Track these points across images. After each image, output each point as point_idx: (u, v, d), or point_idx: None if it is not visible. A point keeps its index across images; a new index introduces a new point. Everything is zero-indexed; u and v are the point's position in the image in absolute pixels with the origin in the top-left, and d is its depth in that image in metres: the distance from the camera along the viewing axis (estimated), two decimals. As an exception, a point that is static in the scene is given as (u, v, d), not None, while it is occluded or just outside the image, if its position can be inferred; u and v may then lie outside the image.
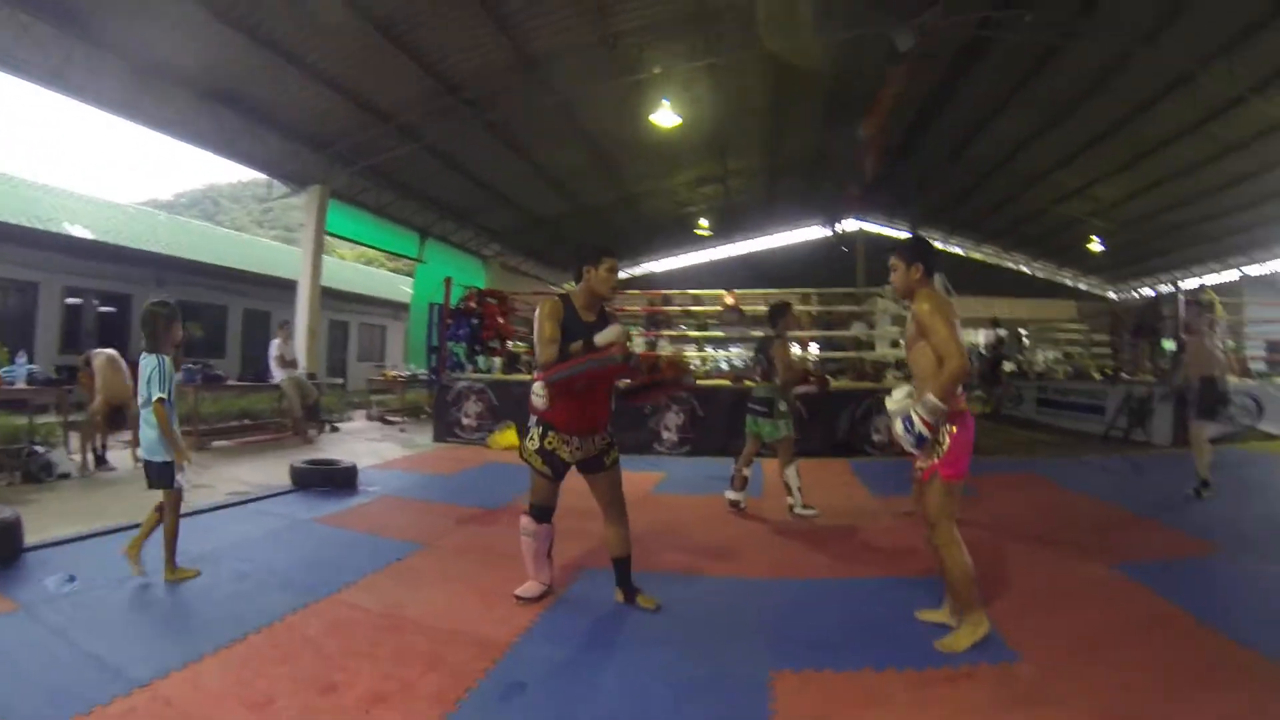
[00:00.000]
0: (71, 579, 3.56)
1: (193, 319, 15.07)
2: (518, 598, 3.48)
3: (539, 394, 3.27)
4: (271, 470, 6.87)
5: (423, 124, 11.73)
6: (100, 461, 6.71)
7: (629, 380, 3.59)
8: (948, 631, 3.14)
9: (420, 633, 3.11)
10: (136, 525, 3.89)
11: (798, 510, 5.61)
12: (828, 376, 7.39)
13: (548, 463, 3.35)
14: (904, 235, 23.75)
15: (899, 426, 3.05)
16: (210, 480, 6.39)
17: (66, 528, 4.51)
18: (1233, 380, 10.69)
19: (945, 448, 3.03)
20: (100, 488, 6.03)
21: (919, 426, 2.95)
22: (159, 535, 3.74)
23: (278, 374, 9.52)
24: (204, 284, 15.26)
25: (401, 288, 23.89)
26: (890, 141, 14.82)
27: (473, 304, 11.25)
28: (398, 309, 22.14)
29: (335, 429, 10.72)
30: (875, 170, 15.22)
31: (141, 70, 9.01)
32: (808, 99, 14.18)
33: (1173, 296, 11.28)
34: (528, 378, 10.32)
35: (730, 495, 5.82)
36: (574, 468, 3.41)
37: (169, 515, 3.73)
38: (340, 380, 16.13)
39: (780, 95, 13.84)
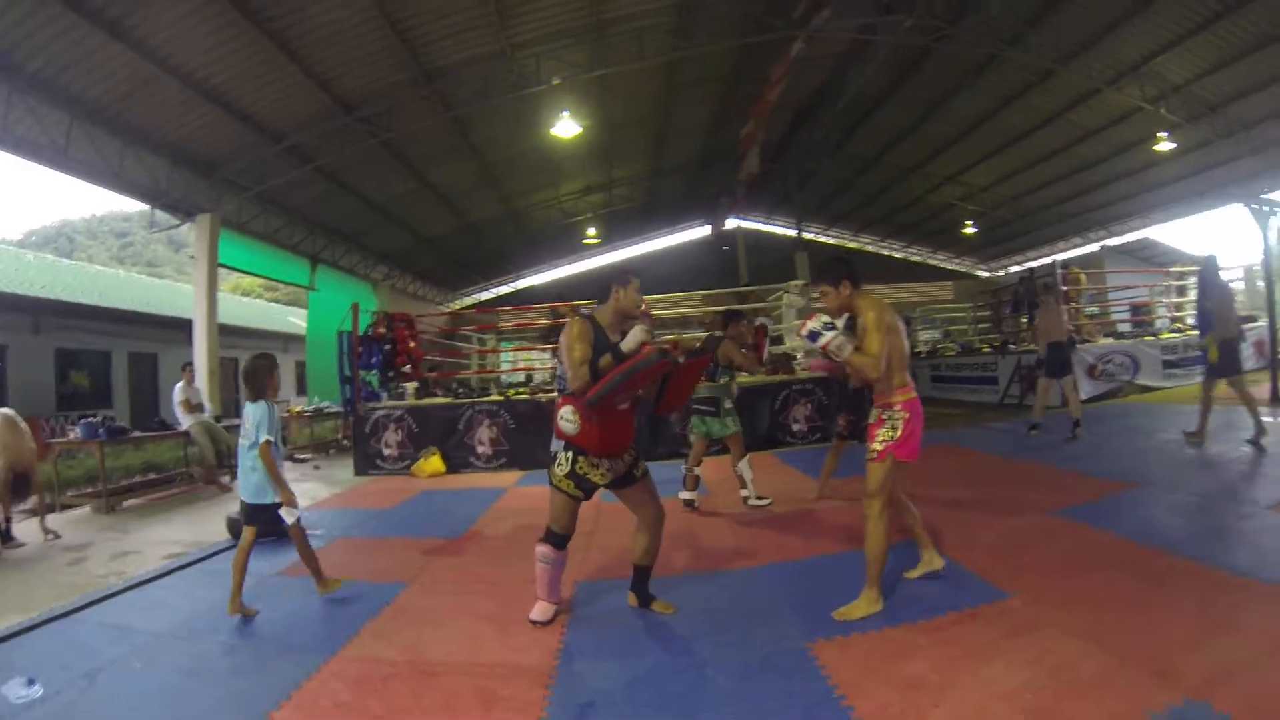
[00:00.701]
0: (32, 682, 3.09)
1: (74, 367, 13.76)
2: (533, 621, 3.48)
3: (568, 419, 3.30)
4: (200, 526, 6.40)
5: (315, 144, 11.23)
6: (6, 538, 5.93)
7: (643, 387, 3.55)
8: (938, 580, 3.63)
9: (456, 673, 3.02)
10: (80, 608, 3.79)
11: (752, 501, 5.84)
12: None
13: (579, 486, 3.39)
14: (830, 248, 24.88)
15: (814, 325, 3.34)
16: (136, 545, 5.84)
17: (-4, 622, 3.97)
18: (1104, 342, 11.97)
19: (900, 433, 3.36)
20: (16, 569, 5.35)
21: (818, 345, 3.33)
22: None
23: (184, 420, 8.78)
24: (84, 328, 13.90)
25: (289, 319, 22.75)
26: (772, 140, 15.44)
27: (382, 329, 10.87)
28: (286, 341, 21.04)
29: (246, 473, 10.09)
30: (758, 169, 15.78)
31: (10, 88, 8.04)
32: (694, 103, 14.63)
33: (1049, 270, 12.39)
34: (446, 400, 10.14)
35: (684, 495, 5.98)
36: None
37: (300, 543, 4.08)
38: (237, 421, 15.12)
39: (668, 101, 14.17)
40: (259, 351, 4.14)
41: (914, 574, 3.69)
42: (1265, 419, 6.75)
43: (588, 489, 3.41)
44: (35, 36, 7.59)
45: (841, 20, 10.42)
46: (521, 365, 15.80)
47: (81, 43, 7.81)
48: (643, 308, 3.63)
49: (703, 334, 9.90)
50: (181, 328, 15.30)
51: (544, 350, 12.94)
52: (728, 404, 5.98)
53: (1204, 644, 2.73)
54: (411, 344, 11.11)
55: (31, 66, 7.98)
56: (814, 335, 3.31)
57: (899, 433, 3.36)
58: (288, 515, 3.95)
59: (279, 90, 9.72)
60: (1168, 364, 11.82)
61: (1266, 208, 9.69)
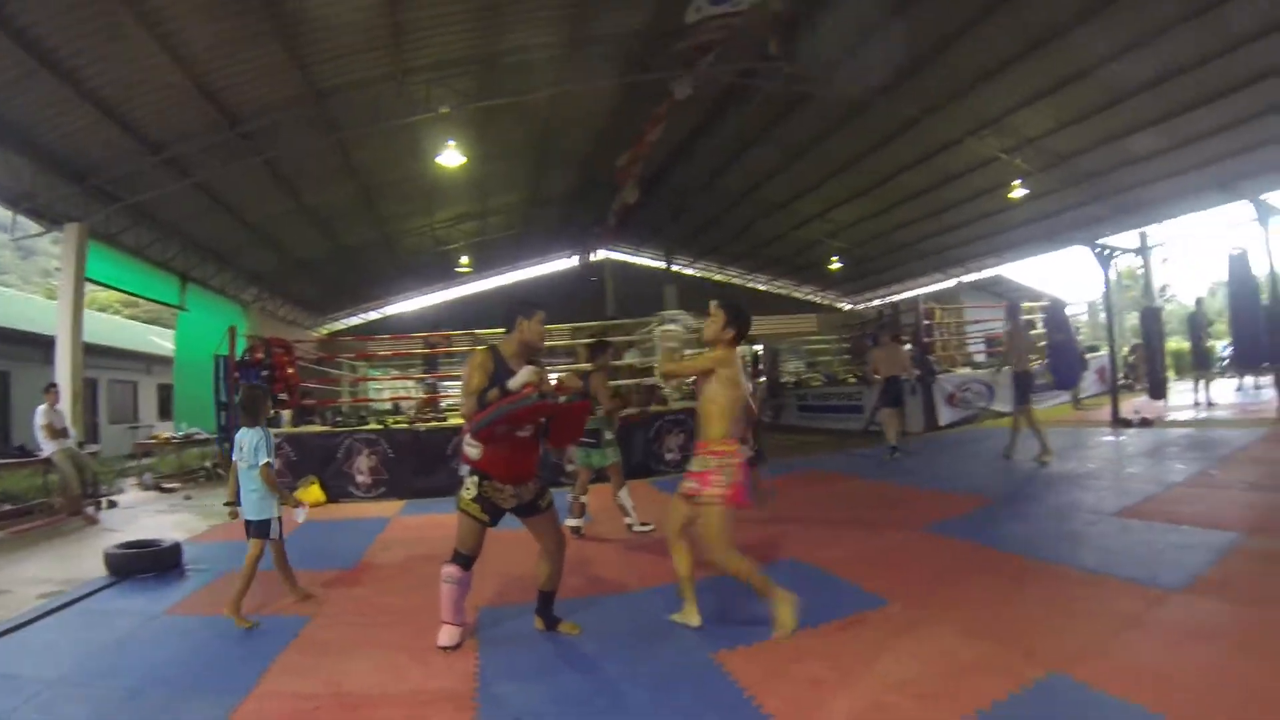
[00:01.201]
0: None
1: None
2: (442, 647, 3.56)
3: (472, 444, 3.45)
4: (72, 562, 6.01)
5: (195, 158, 10.68)
6: None
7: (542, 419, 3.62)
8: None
9: (380, 704, 3.04)
10: None
11: (636, 528, 6.14)
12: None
13: (486, 510, 3.51)
14: (698, 280, 25.09)
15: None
16: (5, 583, 5.35)
17: None
18: (962, 372, 13.15)
19: (735, 478, 3.51)
20: None
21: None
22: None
23: (47, 446, 8.11)
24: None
25: (151, 338, 21.21)
26: (646, 175, 15.82)
27: (260, 354, 10.48)
28: (149, 362, 19.59)
29: (113, 504, 9.40)
30: (631, 203, 16.18)
31: None
32: (574, 137, 14.95)
33: (913, 303, 13.46)
34: (322, 429, 9.99)
35: (570, 522, 6.12)
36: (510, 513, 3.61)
37: (250, 565, 4.31)
38: (96, 447, 13.98)
39: (549, 133, 14.40)
40: (255, 383, 4.37)
41: (675, 616, 3.75)
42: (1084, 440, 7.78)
43: (494, 513, 3.55)
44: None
45: (724, 65, 11.02)
46: (387, 395, 15.46)
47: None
48: (545, 338, 3.76)
49: (575, 367, 10.13)
50: (36, 344, 14.09)
51: (414, 380, 13.09)
52: (609, 435, 6.28)
53: (1064, 629, 3.28)
54: (290, 370, 10.78)
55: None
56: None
57: (734, 478, 3.51)
58: (300, 515, 4.62)
59: (164, 97, 9.19)
60: (1022, 391, 13.10)
61: (1106, 251, 10.87)
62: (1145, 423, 9.67)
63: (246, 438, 4.47)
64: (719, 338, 3.65)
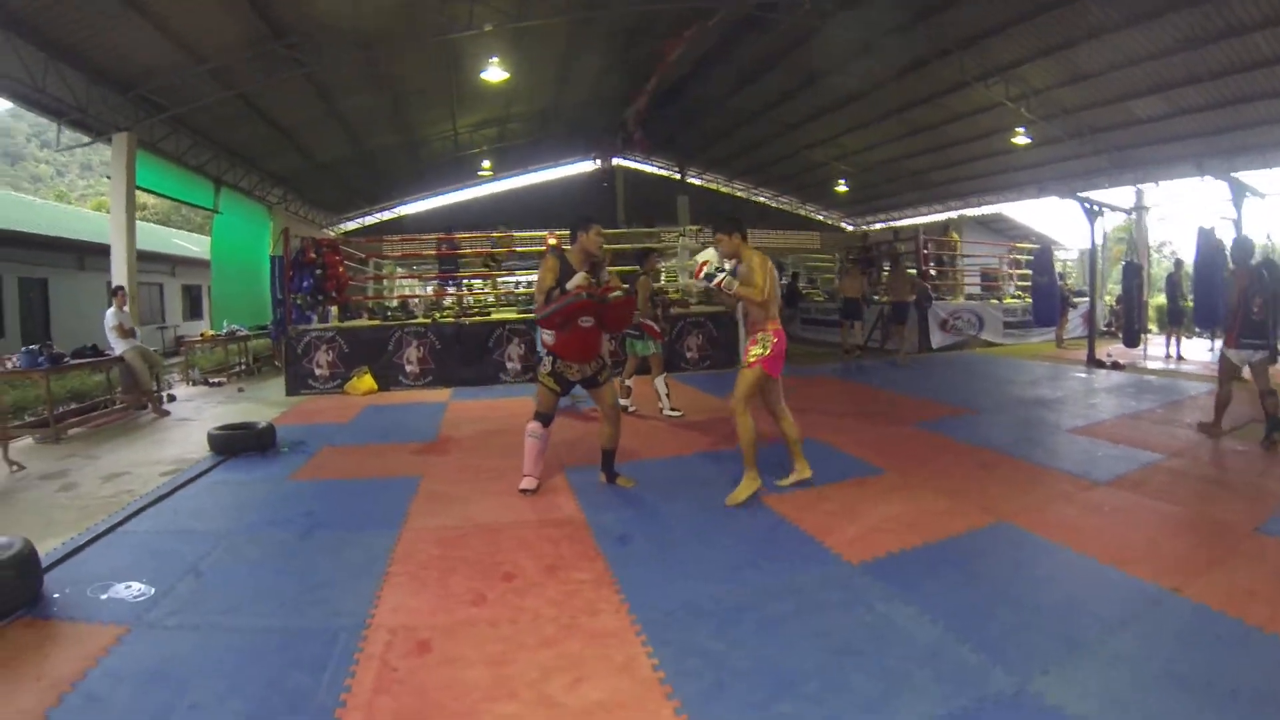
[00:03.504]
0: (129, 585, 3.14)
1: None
2: (523, 491, 4.54)
3: (548, 334, 4.43)
4: (172, 446, 6.50)
5: (238, 69, 11.06)
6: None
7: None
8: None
9: (514, 528, 3.92)
10: (123, 521, 4.16)
11: (666, 412, 7.20)
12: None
13: (558, 382, 4.51)
14: (707, 191, 25.54)
15: (709, 270, 4.27)
16: (119, 467, 5.71)
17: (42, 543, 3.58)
18: (957, 301, 14.01)
19: (769, 350, 4.25)
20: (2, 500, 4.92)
21: (713, 285, 4.26)
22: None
23: (118, 345, 8.74)
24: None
25: (175, 241, 21.69)
26: (662, 88, 16.35)
27: (312, 255, 11.18)
28: (173, 264, 20.19)
29: (172, 398, 10.19)
30: (647, 114, 16.77)
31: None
32: (598, 51, 15.32)
33: (913, 232, 14.21)
34: (374, 323, 10.91)
35: (620, 402, 7.22)
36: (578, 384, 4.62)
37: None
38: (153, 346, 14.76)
39: (575, 47, 14.78)
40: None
41: (785, 482, 4.54)
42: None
43: (564, 385, 4.55)
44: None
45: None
46: (426, 291, 16.27)
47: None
48: (603, 247, 4.65)
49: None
50: (69, 250, 14.71)
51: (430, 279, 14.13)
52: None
53: (1014, 497, 4.40)
54: (341, 270, 11.52)
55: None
56: (710, 277, 4.34)
57: (769, 350, 4.23)
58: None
59: (213, 9, 9.55)
60: (1008, 325, 14.07)
61: (1095, 207, 11.41)
62: (1116, 366, 10.49)
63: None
64: (735, 247, 4.32)
